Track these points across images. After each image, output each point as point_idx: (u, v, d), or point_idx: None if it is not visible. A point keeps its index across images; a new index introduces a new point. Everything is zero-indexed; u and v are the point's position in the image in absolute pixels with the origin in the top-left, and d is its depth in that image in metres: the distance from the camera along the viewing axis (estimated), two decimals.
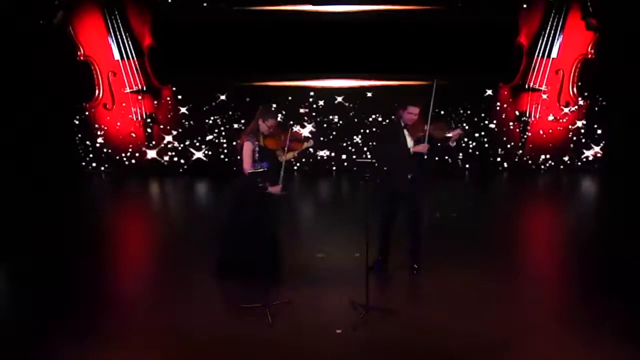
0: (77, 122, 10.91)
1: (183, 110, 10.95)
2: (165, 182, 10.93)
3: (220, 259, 6.15)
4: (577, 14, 10.43)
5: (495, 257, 6.79)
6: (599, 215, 8.94)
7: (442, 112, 10.84)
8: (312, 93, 10.91)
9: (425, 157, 5.95)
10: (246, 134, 5.92)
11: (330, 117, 10.99)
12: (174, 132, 11.02)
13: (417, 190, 6.05)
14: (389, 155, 6.04)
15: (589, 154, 11.11)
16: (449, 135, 5.89)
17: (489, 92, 10.91)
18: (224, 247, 6.14)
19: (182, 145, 11.08)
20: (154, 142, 11.02)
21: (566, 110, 10.90)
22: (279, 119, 7.48)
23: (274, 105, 10.61)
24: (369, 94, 10.89)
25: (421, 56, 10.19)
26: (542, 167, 11.17)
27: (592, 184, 10.81)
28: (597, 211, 9.26)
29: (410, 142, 5.97)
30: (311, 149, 10.83)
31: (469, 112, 10.96)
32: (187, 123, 10.99)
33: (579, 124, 10.98)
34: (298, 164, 11.18)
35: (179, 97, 10.94)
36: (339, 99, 10.96)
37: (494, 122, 11.01)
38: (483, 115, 10.99)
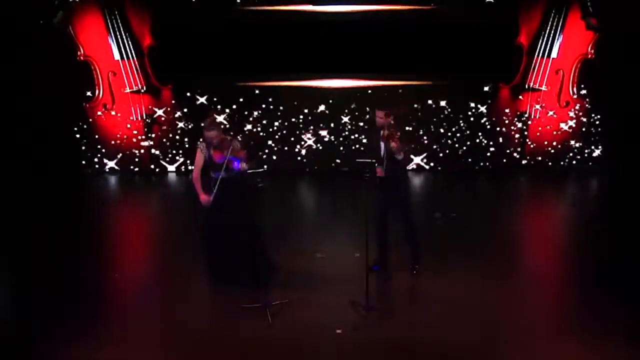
0: (76, 122, 10.90)
1: (181, 125, 10.97)
2: (165, 182, 10.93)
3: (207, 265, 6.15)
4: (577, 14, 10.41)
5: (495, 257, 6.79)
6: (599, 215, 8.93)
7: (447, 111, 10.87)
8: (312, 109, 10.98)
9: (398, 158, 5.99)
10: (200, 142, 5.99)
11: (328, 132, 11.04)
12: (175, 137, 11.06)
13: (395, 191, 6.08)
14: (368, 154, 6.20)
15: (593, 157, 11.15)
16: (391, 145, 5.84)
17: (488, 90, 10.91)
18: (207, 253, 6.14)
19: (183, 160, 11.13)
20: (154, 147, 11.03)
21: (564, 126, 10.92)
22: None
23: (280, 108, 10.73)
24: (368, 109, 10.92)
25: (421, 56, 10.19)
26: (542, 167, 11.16)
27: (592, 184, 10.81)
28: (597, 211, 9.25)
29: (382, 145, 6.05)
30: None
31: (468, 112, 10.96)
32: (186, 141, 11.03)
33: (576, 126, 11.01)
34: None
35: (179, 114, 10.96)
36: (345, 118, 10.98)
37: (494, 122, 11.01)
38: (482, 115, 10.98)
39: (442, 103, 10.86)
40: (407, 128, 10.58)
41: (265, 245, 6.09)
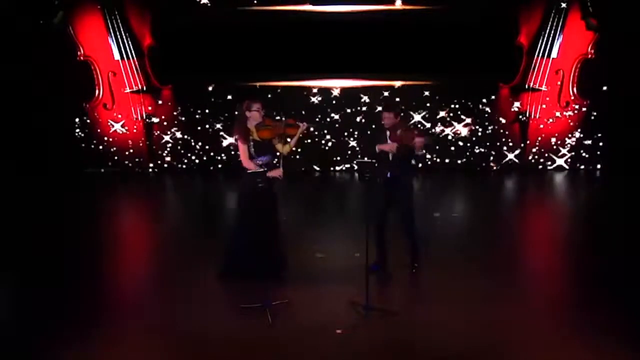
0: (77, 122, 10.91)
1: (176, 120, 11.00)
2: (165, 181, 10.93)
3: (226, 259, 6.17)
4: (577, 14, 10.43)
5: (495, 257, 6.79)
6: (599, 215, 8.93)
7: (445, 111, 10.88)
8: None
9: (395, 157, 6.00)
10: (237, 134, 5.93)
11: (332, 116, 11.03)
12: (177, 134, 11.05)
13: (401, 190, 6.08)
14: (368, 151, 6.15)
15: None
16: (415, 141, 5.85)
17: (489, 92, 10.92)
18: (229, 247, 6.16)
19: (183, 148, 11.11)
20: (154, 147, 11.04)
21: (564, 126, 10.95)
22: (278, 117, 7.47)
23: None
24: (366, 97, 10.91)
25: (421, 56, 10.19)
26: (542, 166, 11.17)
27: (592, 184, 10.81)
28: (597, 211, 9.26)
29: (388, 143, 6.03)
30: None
31: (468, 112, 10.96)
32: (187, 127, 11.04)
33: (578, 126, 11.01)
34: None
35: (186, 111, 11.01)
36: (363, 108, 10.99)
37: (494, 122, 11.01)
38: (483, 115, 10.98)
39: (442, 103, 10.88)
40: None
41: (282, 242, 6.17)
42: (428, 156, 10.81)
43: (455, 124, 9.61)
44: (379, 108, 10.83)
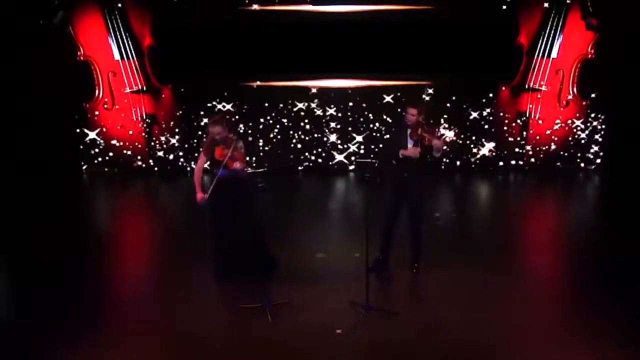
0: (77, 123, 10.90)
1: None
2: (164, 182, 10.92)
3: (215, 261, 6.20)
4: (577, 14, 10.42)
5: (495, 257, 6.80)
6: (599, 216, 8.93)
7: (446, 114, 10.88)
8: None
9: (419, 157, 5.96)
10: (204, 144, 6.16)
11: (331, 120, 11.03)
12: (175, 137, 11.05)
13: (416, 189, 6.07)
14: (389, 153, 6.13)
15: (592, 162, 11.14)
16: (433, 143, 5.85)
17: (489, 92, 10.92)
18: (215, 249, 6.20)
19: (180, 151, 11.12)
20: (154, 147, 11.04)
21: (564, 126, 10.93)
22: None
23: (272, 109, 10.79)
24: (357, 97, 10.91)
25: (421, 56, 10.19)
26: (542, 167, 11.16)
27: (592, 185, 10.81)
28: (597, 212, 9.26)
29: (410, 142, 6.00)
30: None
31: (468, 112, 10.95)
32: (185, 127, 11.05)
33: (579, 122, 10.99)
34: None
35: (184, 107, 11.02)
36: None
37: (494, 122, 11.01)
38: (483, 115, 10.98)
39: (442, 102, 10.88)
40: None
41: (267, 242, 6.17)
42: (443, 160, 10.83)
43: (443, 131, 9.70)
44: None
